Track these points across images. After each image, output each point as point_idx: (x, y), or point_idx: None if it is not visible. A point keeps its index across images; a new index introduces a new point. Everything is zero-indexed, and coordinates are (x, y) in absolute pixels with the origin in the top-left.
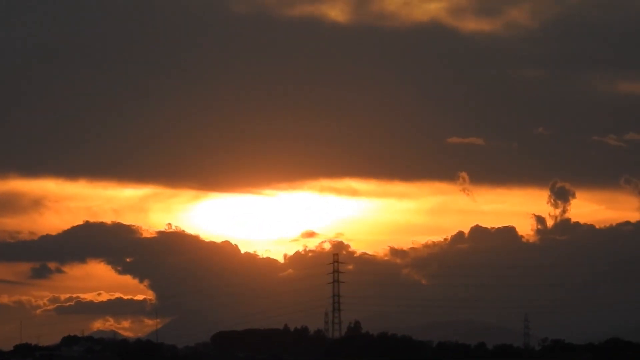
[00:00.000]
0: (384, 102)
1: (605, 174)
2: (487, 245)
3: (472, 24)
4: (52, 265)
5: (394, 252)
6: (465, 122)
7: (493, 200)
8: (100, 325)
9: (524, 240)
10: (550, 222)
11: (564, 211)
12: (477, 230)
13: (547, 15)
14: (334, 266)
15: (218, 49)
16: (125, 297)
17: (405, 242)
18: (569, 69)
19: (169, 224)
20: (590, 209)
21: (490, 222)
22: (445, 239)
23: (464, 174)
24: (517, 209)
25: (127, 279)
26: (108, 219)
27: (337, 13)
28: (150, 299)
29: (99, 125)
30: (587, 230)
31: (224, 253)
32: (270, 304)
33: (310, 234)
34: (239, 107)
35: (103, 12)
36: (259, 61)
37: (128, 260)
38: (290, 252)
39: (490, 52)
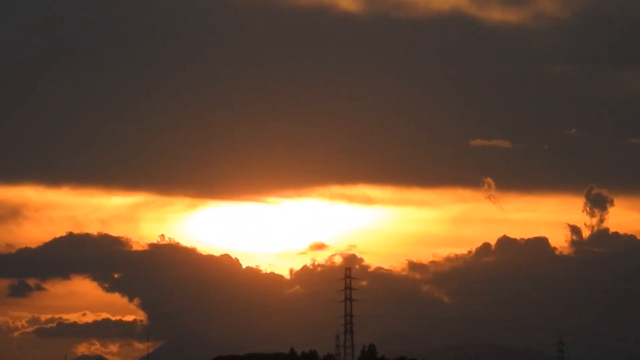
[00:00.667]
0: (401, 100)
1: None
2: (516, 259)
3: (497, 14)
4: (31, 282)
5: (413, 266)
6: (490, 123)
7: (522, 208)
8: (85, 349)
9: (557, 252)
10: (586, 233)
11: (601, 220)
12: (504, 241)
13: (580, 5)
14: (345, 282)
15: (217, 44)
16: (113, 318)
17: (425, 255)
18: (603, 64)
19: (162, 235)
20: (630, 217)
21: (520, 233)
22: (469, 252)
23: (489, 180)
24: (549, 218)
25: (115, 297)
26: (94, 230)
27: (348, 2)
28: (141, 320)
29: (85, 127)
30: (627, 241)
31: (223, 268)
32: (275, 324)
33: (320, 247)
34: (240, 107)
35: (95, 14)
36: (262, 56)
37: (116, 276)
38: (297, 267)
39: (518, 46)
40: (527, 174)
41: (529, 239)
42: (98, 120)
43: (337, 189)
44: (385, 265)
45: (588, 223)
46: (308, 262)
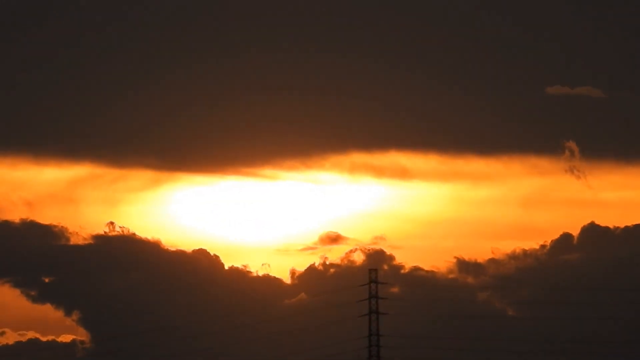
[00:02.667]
0: (449, 34)
1: None
2: (608, 255)
3: None
4: None
5: (464, 266)
6: (575, 63)
7: (617, 184)
8: None
9: None
10: None
11: None
12: (592, 231)
13: None
14: (370, 289)
15: None
16: (44, 338)
17: (481, 251)
18: None
19: (111, 223)
20: None
21: (613, 219)
22: (543, 246)
23: (571, 144)
24: None
25: (46, 310)
26: (16, 216)
27: None
28: (81, 341)
29: (6, 77)
30: None
31: (198, 268)
32: (271, 347)
33: (334, 239)
34: (222, 45)
35: None
36: None
37: (47, 280)
38: (302, 267)
39: None
40: (625, 136)
41: (626, 228)
42: (24, 67)
43: (359, 157)
44: (426, 264)
45: None
46: (317, 261)
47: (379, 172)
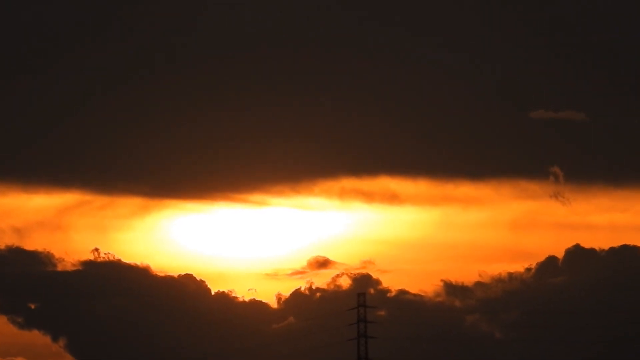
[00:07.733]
0: (437, 60)
1: None
2: (593, 277)
3: None
4: None
5: (451, 289)
6: (559, 87)
7: (602, 207)
8: None
9: None
10: None
11: None
12: (577, 253)
13: None
14: (358, 313)
15: None
16: None
17: (468, 274)
18: None
19: (96, 249)
20: None
21: (598, 241)
22: (528, 269)
23: (556, 170)
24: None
25: (33, 337)
26: (3, 242)
27: None
28: None
29: None
30: None
31: (185, 294)
32: None
33: (322, 263)
34: (210, 70)
35: None
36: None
37: (33, 307)
38: (288, 292)
39: None
40: (610, 160)
41: (611, 249)
42: (13, 95)
43: (349, 182)
44: (413, 288)
45: None
46: (304, 285)
47: (369, 197)
